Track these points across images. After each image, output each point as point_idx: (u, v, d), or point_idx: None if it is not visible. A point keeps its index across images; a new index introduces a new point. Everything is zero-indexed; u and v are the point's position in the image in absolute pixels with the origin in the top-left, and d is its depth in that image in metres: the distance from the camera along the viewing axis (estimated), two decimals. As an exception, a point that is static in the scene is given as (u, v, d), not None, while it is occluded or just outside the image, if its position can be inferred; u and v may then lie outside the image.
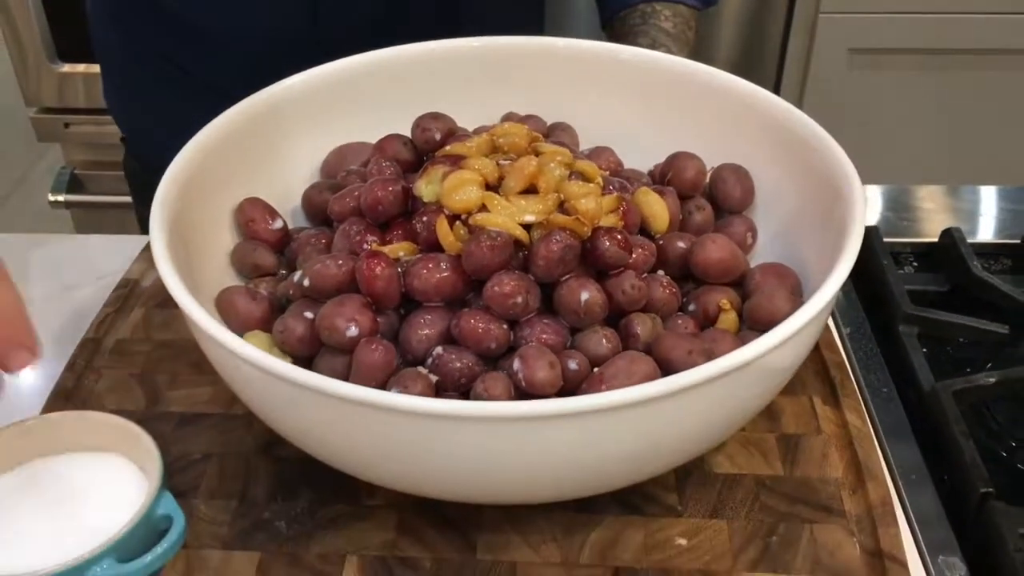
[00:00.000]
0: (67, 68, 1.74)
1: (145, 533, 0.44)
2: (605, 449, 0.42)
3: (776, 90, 1.74)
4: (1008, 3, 1.63)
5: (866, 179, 1.52)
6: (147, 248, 0.68)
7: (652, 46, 0.76)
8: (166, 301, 0.64)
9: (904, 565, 0.47)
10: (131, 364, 0.59)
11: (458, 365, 0.48)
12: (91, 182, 1.79)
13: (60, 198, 1.74)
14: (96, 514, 0.45)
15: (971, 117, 1.72)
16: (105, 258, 0.74)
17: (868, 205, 0.84)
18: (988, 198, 0.85)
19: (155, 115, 0.88)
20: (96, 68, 1.82)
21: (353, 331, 0.48)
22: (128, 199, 1.72)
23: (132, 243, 0.76)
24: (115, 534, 0.43)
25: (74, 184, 1.78)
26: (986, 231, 0.82)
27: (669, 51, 0.75)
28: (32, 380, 0.62)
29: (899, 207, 0.86)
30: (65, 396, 0.57)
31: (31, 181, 2.33)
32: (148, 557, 0.43)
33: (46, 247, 0.81)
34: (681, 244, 0.55)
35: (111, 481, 0.47)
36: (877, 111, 1.73)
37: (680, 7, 0.78)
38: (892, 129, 1.75)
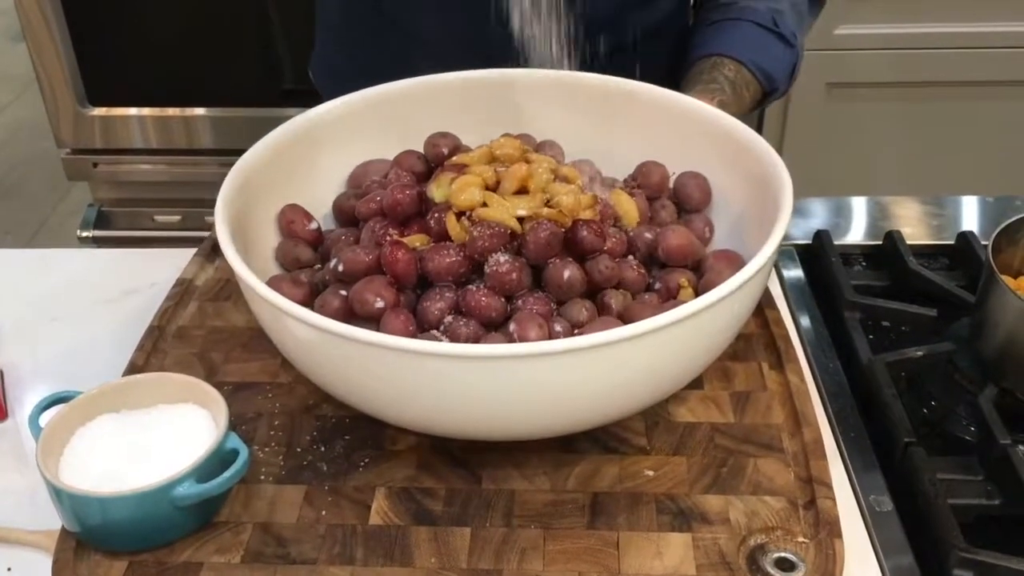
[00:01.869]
0: (96, 111, 1.88)
1: (217, 462, 0.55)
2: (582, 386, 0.53)
3: (759, 123, 1.86)
4: (973, 39, 1.75)
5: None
6: (198, 253, 0.80)
7: (711, 81, 0.86)
8: (216, 295, 0.76)
9: (829, 486, 0.58)
10: (191, 345, 0.70)
11: (465, 331, 0.59)
12: (117, 218, 1.92)
13: (88, 233, 1.86)
14: (178, 449, 0.56)
15: (942, 143, 1.84)
16: (155, 268, 0.86)
17: (833, 214, 0.96)
18: (930, 206, 0.97)
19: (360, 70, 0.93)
20: (123, 111, 1.96)
21: (380, 303, 0.59)
22: (149, 234, 1.85)
23: (179, 254, 0.87)
24: (195, 460, 0.54)
25: (101, 220, 1.90)
26: (927, 233, 0.93)
27: (723, 91, 0.85)
28: (107, 359, 0.73)
29: (851, 215, 0.97)
30: (138, 372, 0.68)
31: (58, 217, 2.46)
32: (220, 478, 0.54)
33: (104, 259, 0.93)
34: (648, 235, 0.66)
35: (188, 425, 0.58)
36: (855, 140, 1.85)
37: (743, 69, 0.89)
38: (869, 156, 1.86)
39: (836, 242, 0.89)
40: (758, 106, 0.96)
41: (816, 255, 0.89)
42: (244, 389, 0.66)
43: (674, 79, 1.00)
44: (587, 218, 0.62)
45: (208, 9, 1.74)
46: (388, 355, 0.51)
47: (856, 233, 0.94)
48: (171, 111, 1.87)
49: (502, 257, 0.60)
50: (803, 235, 0.92)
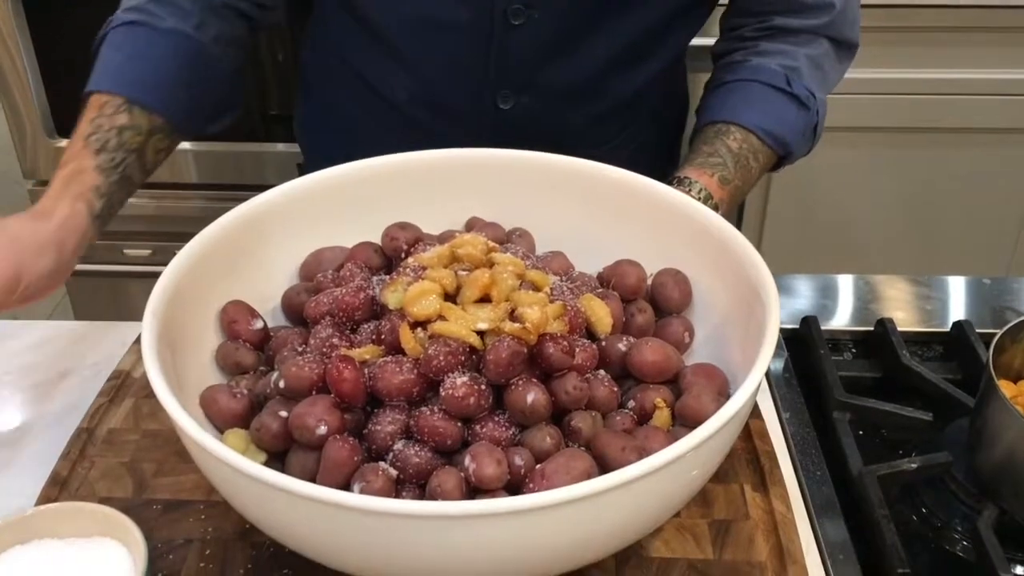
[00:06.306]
0: (65, 143, 1.81)
1: (131, 615, 0.49)
2: (541, 541, 0.47)
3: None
4: (957, 86, 1.73)
5: (828, 255, 1.61)
6: (137, 341, 0.74)
7: (712, 154, 0.81)
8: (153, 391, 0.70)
9: (816, 641, 0.52)
10: (121, 453, 0.64)
11: (416, 460, 0.53)
12: (85, 251, 1.85)
13: (53, 267, 1.79)
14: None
15: (926, 189, 1.82)
16: (98, 345, 0.79)
17: (819, 294, 0.91)
18: (922, 287, 0.92)
19: (345, 136, 0.93)
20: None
21: (322, 429, 0.53)
22: (118, 268, 1.80)
23: (125, 329, 0.81)
24: (104, 617, 0.48)
25: (67, 253, 1.84)
26: (920, 319, 0.88)
27: (724, 165, 0.81)
28: (28, 465, 0.67)
29: (839, 296, 0.92)
30: (60, 483, 0.62)
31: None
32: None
33: (40, 332, 0.86)
34: (621, 346, 0.61)
35: (102, 566, 0.52)
36: (841, 183, 1.82)
37: (752, 136, 0.83)
38: (855, 199, 1.83)
39: (824, 326, 0.84)
40: (774, 170, 0.90)
41: (803, 342, 0.84)
42: (175, 509, 0.60)
43: (667, 146, 0.96)
44: (554, 331, 0.56)
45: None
46: (317, 507, 0.45)
47: (844, 316, 0.89)
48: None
49: (459, 378, 0.54)
50: (789, 318, 0.87)
